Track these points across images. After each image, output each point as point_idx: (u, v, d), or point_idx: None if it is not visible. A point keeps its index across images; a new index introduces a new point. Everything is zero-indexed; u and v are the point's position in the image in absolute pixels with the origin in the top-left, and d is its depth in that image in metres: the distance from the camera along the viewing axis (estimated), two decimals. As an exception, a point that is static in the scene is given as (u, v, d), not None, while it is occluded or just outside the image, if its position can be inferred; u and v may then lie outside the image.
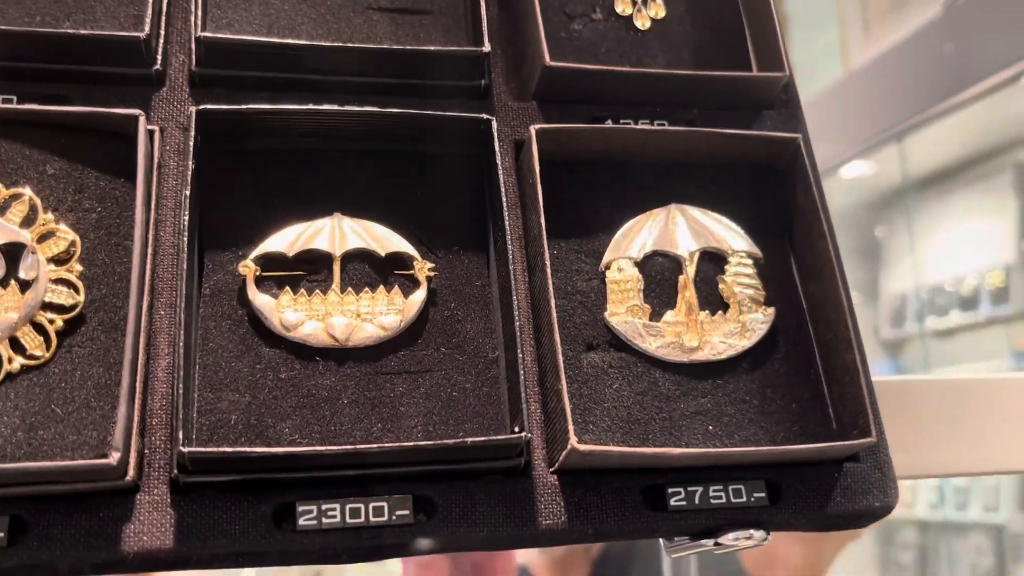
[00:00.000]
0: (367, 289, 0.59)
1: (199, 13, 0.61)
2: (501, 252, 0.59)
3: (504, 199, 0.59)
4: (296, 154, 0.61)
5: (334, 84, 0.62)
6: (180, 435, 0.50)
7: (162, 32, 0.61)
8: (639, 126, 0.64)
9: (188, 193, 0.55)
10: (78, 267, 0.53)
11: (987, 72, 2.71)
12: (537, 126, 0.61)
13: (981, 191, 3.50)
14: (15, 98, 0.58)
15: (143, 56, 0.59)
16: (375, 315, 0.58)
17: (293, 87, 0.62)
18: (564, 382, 0.54)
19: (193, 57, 0.61)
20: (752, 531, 0.56)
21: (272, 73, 0.61)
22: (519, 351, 0.55)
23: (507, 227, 0.58)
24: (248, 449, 0.50)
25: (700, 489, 0.56)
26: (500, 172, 0.60)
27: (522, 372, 0.54)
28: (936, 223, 3.64)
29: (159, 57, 0.60)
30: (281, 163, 0.61)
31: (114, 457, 0.48)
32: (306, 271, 0.59)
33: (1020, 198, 3.39)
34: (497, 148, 0.60)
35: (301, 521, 0.51)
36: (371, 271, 0.60)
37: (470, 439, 0.52)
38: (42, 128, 0.56)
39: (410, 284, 0.60)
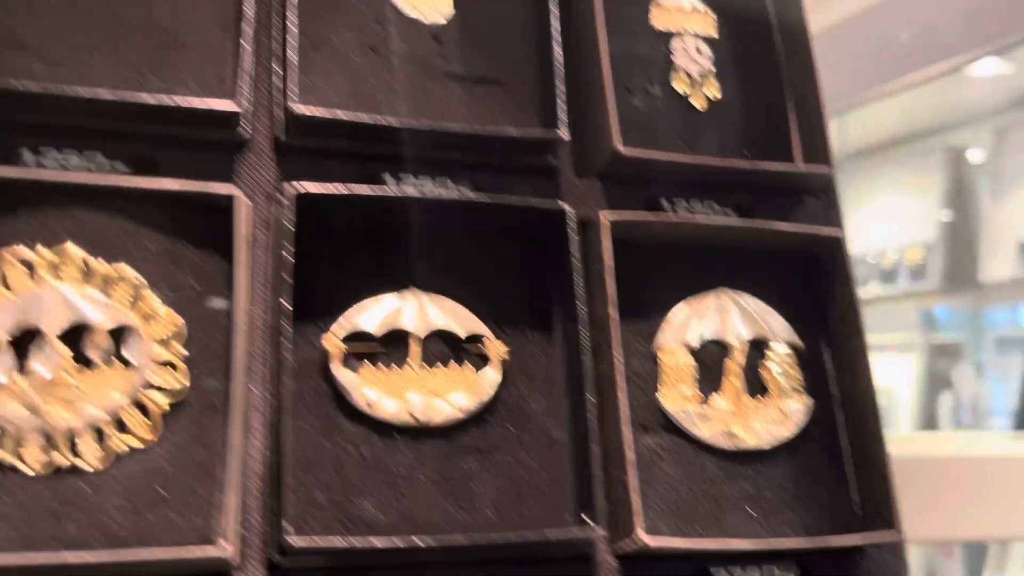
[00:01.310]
0: (439, 364, 0.62)
1: (287, 80, 0.61)
2: (571, 338, 0.62)
3: (576, 288, 0.62)
4: (375, 229, 0.63)
5: (413, 160, 0.64)
6: (284, 523, 0.52)
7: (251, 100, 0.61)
8: (705, 219, 0.67)
9: (290, 280, 0.56)
10: (181, 350, 0.55)
11: (935, 59, 2.79)
12: (611, 216, 0.64)
13: (911, 170, 3.63)
14: (99, 154, 0.58)
15: (234, 126, 0.60)
16: (448, 392, 0.61)
17: (374, 158, 0.63)
18: (631, 476, 0.58)
19: (279, 124, 0.62)
20: (783, 609, 0.62)
21: (356, 146, 0.63)
22: (590, 442, 0.59)
23: (579, 314, 0.62)
24: (352, 538, 0.53)
25: (740, 571, 0.62)
26: (573, 261, 0.63)
27: (592, 464, 0.59)
28: (866, 196, 3.76)
29: (246, 126, 0.61)
30: (360, 237, 0.63)
31: (231, 550, 0.50)
32: (387, 349, 0.61)
33: (945, 180, 3.53)
34: (571, 237, 0.63)
35: (390, 598, 0.55)
36: (444, 346, 0.63)
37: (551, 534, 0.56)
38: (137, 199, 0.57)
39: (479, 359, 0.63)
